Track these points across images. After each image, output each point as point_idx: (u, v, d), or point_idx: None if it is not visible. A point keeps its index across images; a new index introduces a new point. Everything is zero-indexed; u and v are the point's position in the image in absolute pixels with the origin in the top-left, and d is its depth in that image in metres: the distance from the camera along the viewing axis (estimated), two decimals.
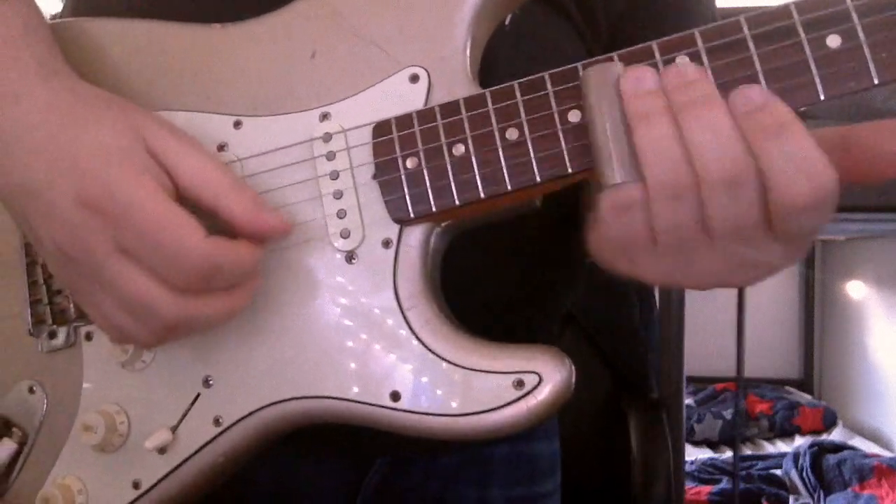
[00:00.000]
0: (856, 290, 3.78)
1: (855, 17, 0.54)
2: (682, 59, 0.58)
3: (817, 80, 0.55)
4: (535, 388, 0.61)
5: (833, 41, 0.55)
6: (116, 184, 0.58)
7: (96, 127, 0.61)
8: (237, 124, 0.70)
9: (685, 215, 0.55)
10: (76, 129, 0.61)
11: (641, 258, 0.58)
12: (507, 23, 0.74)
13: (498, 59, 0.71)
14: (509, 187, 0.62)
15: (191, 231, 0.58)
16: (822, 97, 0.55)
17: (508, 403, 0.62)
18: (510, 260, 0.82)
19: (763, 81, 0.56)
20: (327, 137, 0.67)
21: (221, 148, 0.69)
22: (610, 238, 0.58)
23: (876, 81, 0.54)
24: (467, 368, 0.63)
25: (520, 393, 0.61)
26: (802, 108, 0.56)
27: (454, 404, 0.63)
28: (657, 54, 0.58)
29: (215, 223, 0.62)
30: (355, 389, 0.66)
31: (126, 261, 0.59)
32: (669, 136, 0.54)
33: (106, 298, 0.61)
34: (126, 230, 0.58)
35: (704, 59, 0.57)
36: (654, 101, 0.55)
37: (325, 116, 0.68)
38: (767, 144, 0.52)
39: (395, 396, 0.65)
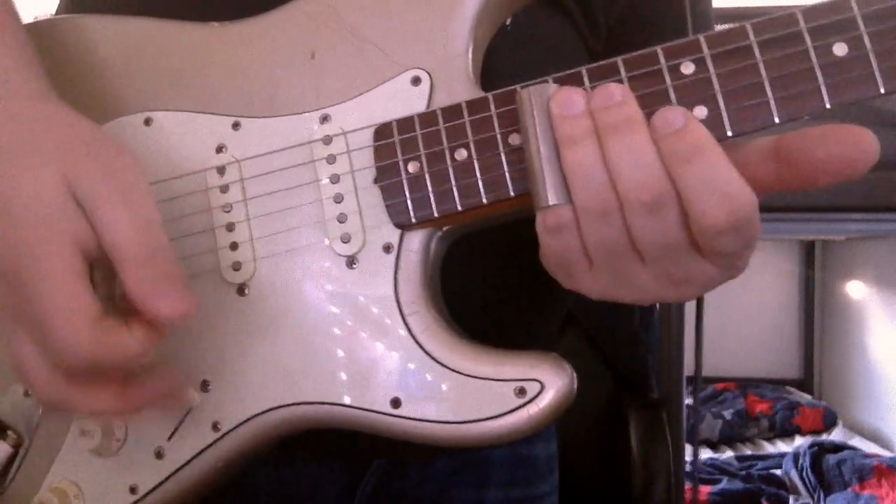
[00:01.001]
0: (856, 290, 3.77)
1: (861, 25, 0.54)
2: (611, 81, 0.58)
3: (823, 89, 0.54)
4: (536, 395, 0.61)
5: (840, 49, 0.54)
6: (27, 251, 0.56)
7: (25, 175, 0.58)
8: (236, 125, 0.69)
9: (613, 236, 0.55)
10: (7, 174, 0.58)
11: (579, 275, 0.60)
12: (508, 24, 0.73)
13: (498, 61, 0.70)
14: (512, 193, 0.61)
15: (76, 319, 0.56)
16: (829, 105, 0.54)
17: (510, 411, 0.61)
18: (508, 263, 0.82)
19: (769, 89, 0.55)
20: (327, 140, 0.66)
21: (220, 149, 0.69)
22: (547, 256, 0.59)
23: (882, 91, 0.53)
24: (468, 375, 0.63)
25: (521, 401, 0.61)
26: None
27: (454, 412, 0.63)
28: (662, 59, 0.58)
29: None
30: (355, 396, 0.65)
31: (19, 330, 0.59)
32: (594, 159, 0.54)
33: (5, 349, 0.61)
34: (19, 303, 0.57)
35: (710, 65, 0.56)
36: (580, 124, 0.55)
37: (325, 118, 0.67)
38: (683, 168, 0.52)
39: (396, 403, 0.64)
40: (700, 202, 0.52)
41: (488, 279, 0.81)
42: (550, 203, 0.56)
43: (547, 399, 0.61)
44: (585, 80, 0.60)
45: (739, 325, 3.98)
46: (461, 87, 0.65)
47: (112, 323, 0.58)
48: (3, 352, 0.74)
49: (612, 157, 0.54)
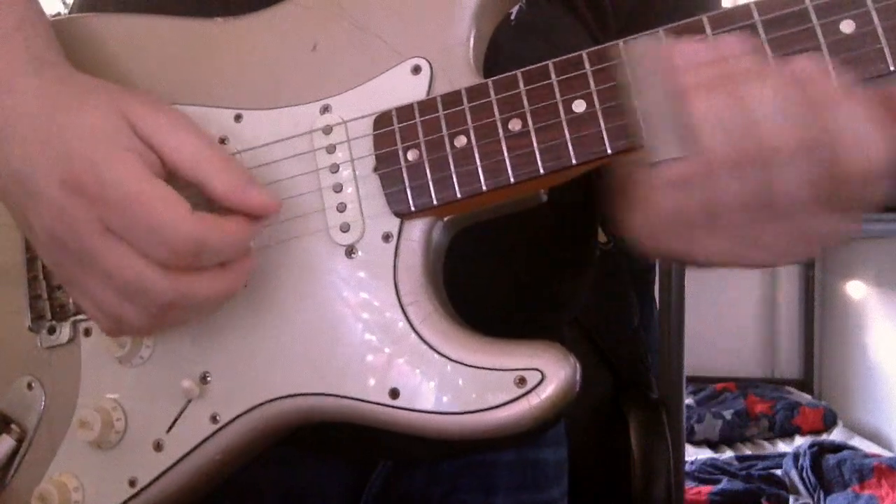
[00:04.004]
0: (856, 290, 3.78)
1: (869, 1, 0.53)
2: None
3: (831, 67, 0.54)
4: (537, 385, 0.60)
5: (847, 26, 0.54)
6: (99, 163, 0.58)
7: (82, 112, 0.61)
8: (238, 118, 0.69)
9: (750, 188, 0.53)
10: (63, 116, 0.61)
11: (698, 236, 0.57)
12: (512, 17, 0.73)
13: (503, 53, 0.70)
14: (512, 179, 0.61)
15: (174, 207, 0.58)
16: (836, 84, 0.54)
17: (510, 401, 0.60)
18: (517, 256, 0.81)
19: None
20: (328, 130, 0.66)
21: (222, 141, 0.69)
22: (663, 216, 0.57)
23: (892, 68, 0.53)
24: (467, 365, 0.62)
25: (522, 391, 0.60)
26: None
27: (454, 402, 0.62)
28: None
29: (210, 202, 0.61)
30: (353, 386, 0.65)
31: (114, 241, 0.59)
32: (731, 106, 0.52)
33: (97, 282, 0.61)
34: (110, 209, 0.58)
35: None
36: (711, 72, 0.53)
37: (325, 109, 0.67)
38: (833, 112, 0.51)
39: (394, 394, 0.64)
40: (855, 144, 0.50)
41: (496, 271, 0.80)
42: (676, 155, 0.54)
43: (548, 389, 0.60)
44: (586, 64, 0.59)
45: (740, 325, 3.98)
46: (462, 75, 0.65)
47: (206, 213, 0.60)
48: (7, 348, 0.74)
49: (751, 104, 0.52)
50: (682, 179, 0.54)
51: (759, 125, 0.52)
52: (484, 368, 0.62)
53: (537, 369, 0.60)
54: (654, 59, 0.56)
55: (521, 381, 0.60)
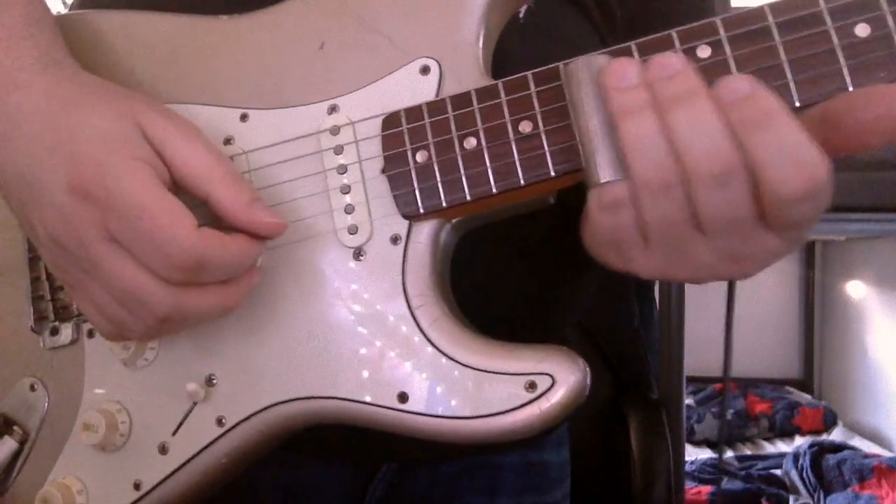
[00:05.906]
0: (856, 290, 3.77)
1: (884, 4, 0.53)
2: (667, 51, 0.56)
3: (845, 70, 0.53)
4: (547, 390, 0.59)
5: (862, 30, 0.53)
6: (108, 169, 0.58)
7: (93, 114, 0.60)
8: (244, 117, 0.68)
9: (674, 212, 0.53)
10: (73, 117, 0.60)
11: (633, 254, 0.57)
12: (521, 16, 0.72)
13: (511, 54, 0.69)
14: (522, 182, 0.60)
15: (178, 221, 0.57)
16: (851, 87, 0.53)
17: (520, 406, 0.60)
18: (524, 257, 0.81)
19: (788, 71, 0.54)
20: (335, 130, 0.65)
21: (228, 141, 0.68)
22: (600, 235, 0.57)
23: None
24: (477, 369, 0.61)
25: (532, 395, 0.60)
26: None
27: (463, 407, 0.61)
28: (677, 43, 0.57)
29: (216, 217, 0.61)
30: (361, 390, 0.64)
31: (116, 249, 0.58)
32: (654, 131, 0.52)
33: (98, 289, 0.61)
34: (115, 217, 0.57)
35: (727, 48, 0.55)
36: (636, 96, 0.53)
37: (333, 109, 0.66)
38: (755, 136, 0.50)
39: (403, 398, 0.63)
40: (775, 170, 0.50)
41: (502, 273, 0.80)
42: (607, 179, 0.54)
43: (559, 394, 0.59)
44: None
45: (739, 325, 3.97)
46: (471, 76, 0.64)
47: (211, 229, 0.59)
48: (9, 349, 0.74)
49: (676, 129, 0.52)
50: (613, 203, 0.55)
51: (682, 151, 0.52)
52: (493, 373, 0.61)
53: (548, 374, 0.60)
54: (588, 80, 0.56)
55: (532, 386, 0.60)
